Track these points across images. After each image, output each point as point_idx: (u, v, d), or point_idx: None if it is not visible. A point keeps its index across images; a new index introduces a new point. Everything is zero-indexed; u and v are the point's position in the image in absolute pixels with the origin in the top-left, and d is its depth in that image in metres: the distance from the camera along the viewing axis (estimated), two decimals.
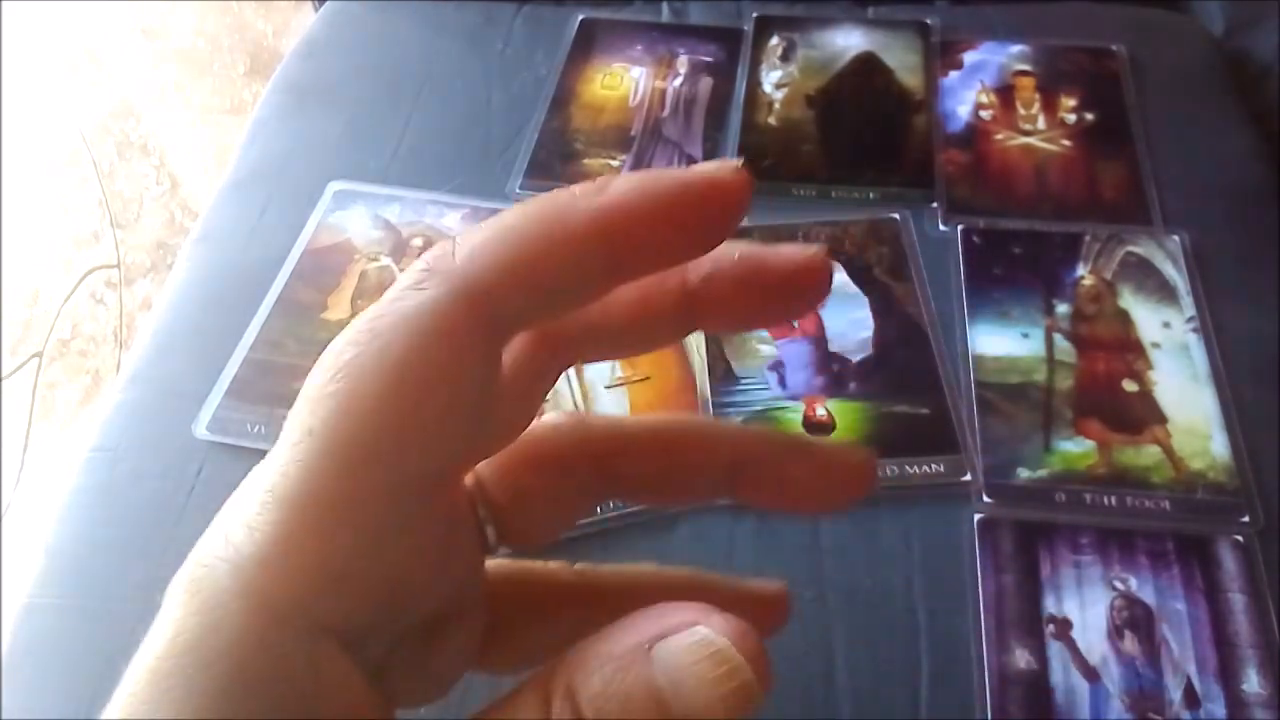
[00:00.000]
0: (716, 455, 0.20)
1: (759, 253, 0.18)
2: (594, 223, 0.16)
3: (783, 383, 0.49)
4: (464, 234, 0.16)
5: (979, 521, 0.44)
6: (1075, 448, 0.46)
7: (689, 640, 0.14)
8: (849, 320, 0.51)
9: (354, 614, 0.15)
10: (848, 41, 0.65)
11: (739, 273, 0.18)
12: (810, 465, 0.20)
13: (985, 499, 0.44)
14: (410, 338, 0.15)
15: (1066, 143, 0.59)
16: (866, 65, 0.64)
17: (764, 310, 0.19)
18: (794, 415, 0.47)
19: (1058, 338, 0.50)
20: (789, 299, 0.18)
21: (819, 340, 0.51)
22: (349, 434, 0.15)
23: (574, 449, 0.20)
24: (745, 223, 0.55)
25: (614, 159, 0.60)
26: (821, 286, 0.18)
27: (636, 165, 0.60)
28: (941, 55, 0.64)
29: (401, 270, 0.56)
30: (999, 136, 0.60)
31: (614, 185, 0.16)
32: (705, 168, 0.16)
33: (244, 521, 0.15)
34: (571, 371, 0.49)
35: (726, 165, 0.16)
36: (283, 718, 0.14)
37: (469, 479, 0.20)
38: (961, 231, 0.54)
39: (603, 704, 0.14)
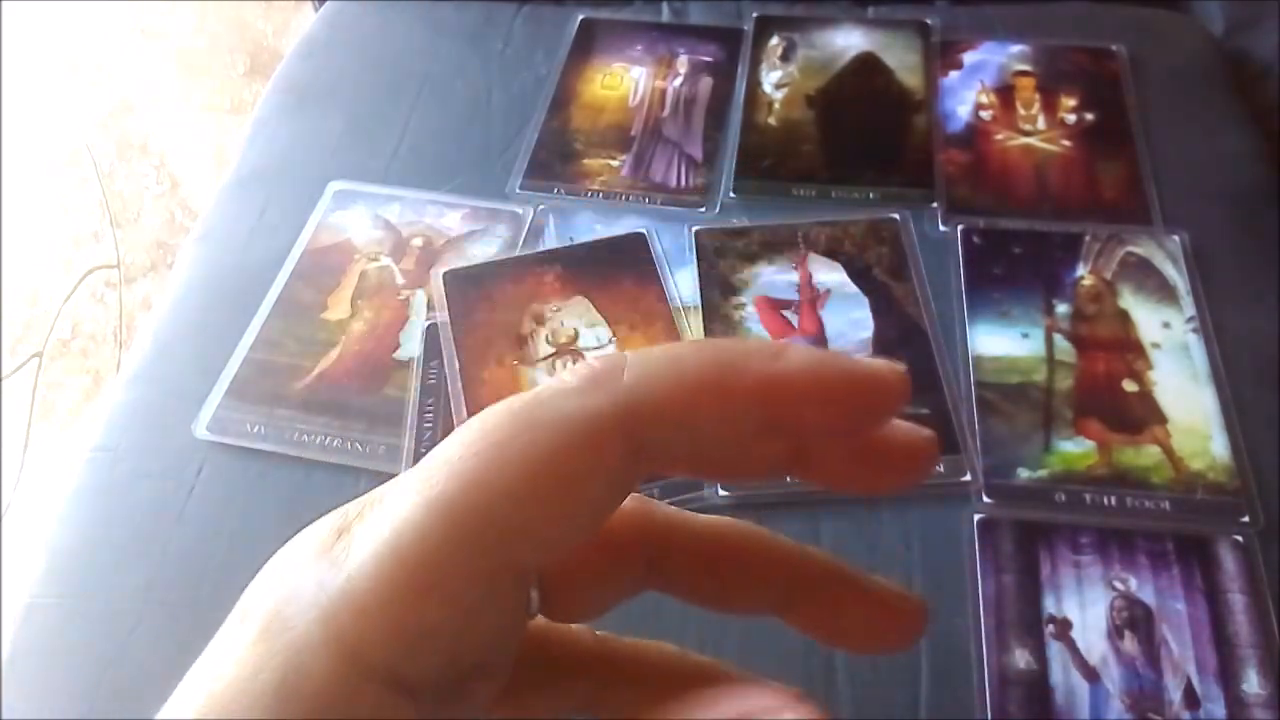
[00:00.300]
0: (774, 574, 0.20)
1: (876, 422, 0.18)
2: (762, 388, 0.16)
3: None
4: (637, 354, 0.16)
5: (979, 521, 0.44)
6: (1075, 448, 0.46)
7: None
8: (849, 320, 0.51)
9: (428, 672, 0.15)
10: (848, 41, 0.65)
11: (854, 444, 0.18)
12: (865, 608, 0.20)
13: (985, 499, 0.44)
14: (561, 437, 0.15)
15: (1066, 143, 0.59)
16: (866, 65, 0.64)
17: (862, 478, 0.19)
18: None
19: (1058, 338, 0.50)
20: (893, 473, 0.18)
21: (819, 340, 0.51)
22: (478, 508, 0.15)
23: (633, 534, 0.20)
24: (745, 223, 0.56)
25: (614, 159, 0.60)
26: (925, 464, 0.18)
27: (636, 165, 0.60)
28: (941, 55, 0.64)
29: (401, 269, 0.56)
30: (999, 136, 0.60)
31: (789, 356, 0.16)
32: (873, 366, 0.17)
33: (342, 566, 0.15)
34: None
35: (893, 368, 0.17)
36: None
37: None
38: (961, 231, 0.54)
39: None
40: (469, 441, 0.16)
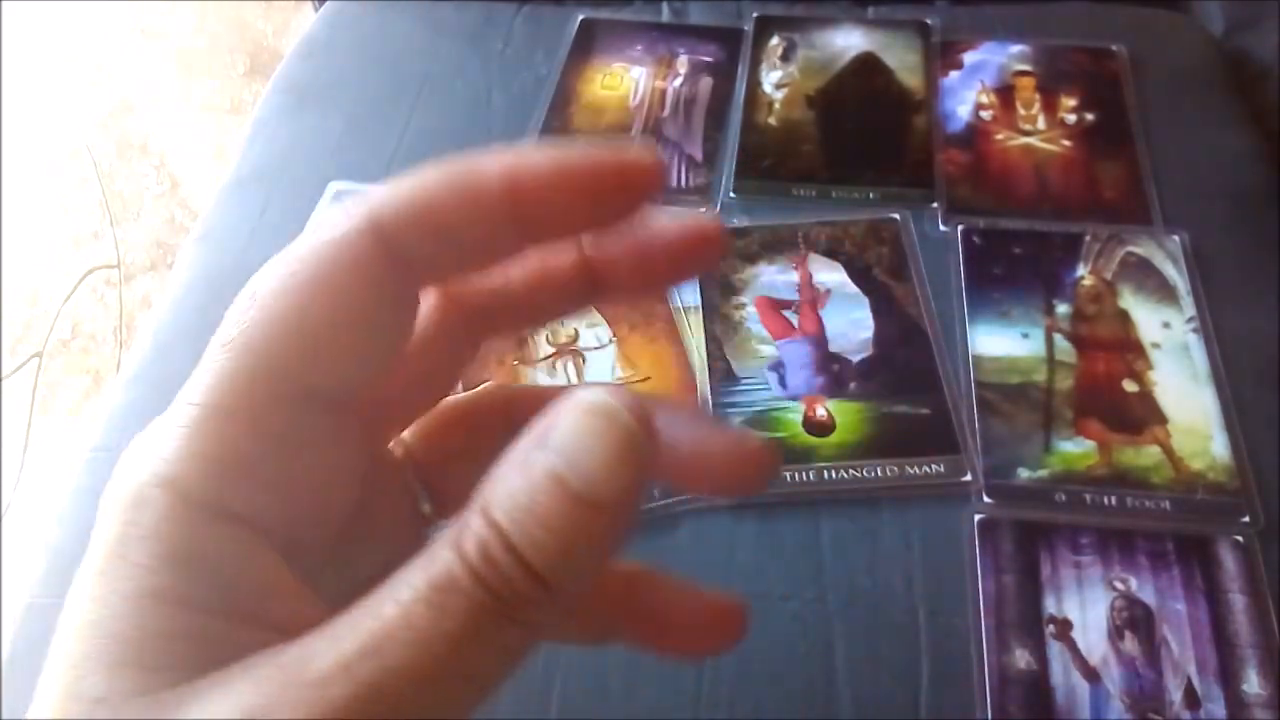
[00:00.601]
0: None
1: (652, 222, 0.19)
2: (502, 180, 0.17)
3: (783, 383, 0.49)
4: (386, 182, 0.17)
5: (979, 522, 0.44)
6: (1075, 448, 0.46)
7: (569, 411, 0.15)
8: (849, 320, 0.51)
9: (266, 509, 0.16)
10: (848, 41, 0.65)
11: (633, 241, 0.19)
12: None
13: (985, 499, 0.44)
14: (319, 264, 0.17)
15: (1066, 143, 0.59)
16: (866, 65, 0.64)
17: (659, 275, 0.20)
18: (794, 415, 0.47)
19: (1058, 338, 0.50)
20: (682, 265, 0.20)
21: (819, 340, 0.51)
22: (258, 348, 0.16)
23: (496, 413, 0.21)
24: (746, 222, 0.56)
25: None
26: (714, 250, 0.19)
27: None
28: (941, 55, 0.64)
29: None
30: (999, 136, 0.60)
31: (529, 151, 0.18)
32: (619, 148, 0.18)
33: (164, 428, 0.16)
34: (572, 372, 0.49)
35: (641, 151, 0.18)
36: (206, 591, 0.15)
37: (399, 450, 0.21)
38: (961, 231, 0.54)
39: (511, 506, 0.15)
40: (246, 293, 0.17)
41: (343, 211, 0.17)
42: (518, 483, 0.15)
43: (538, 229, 0.18)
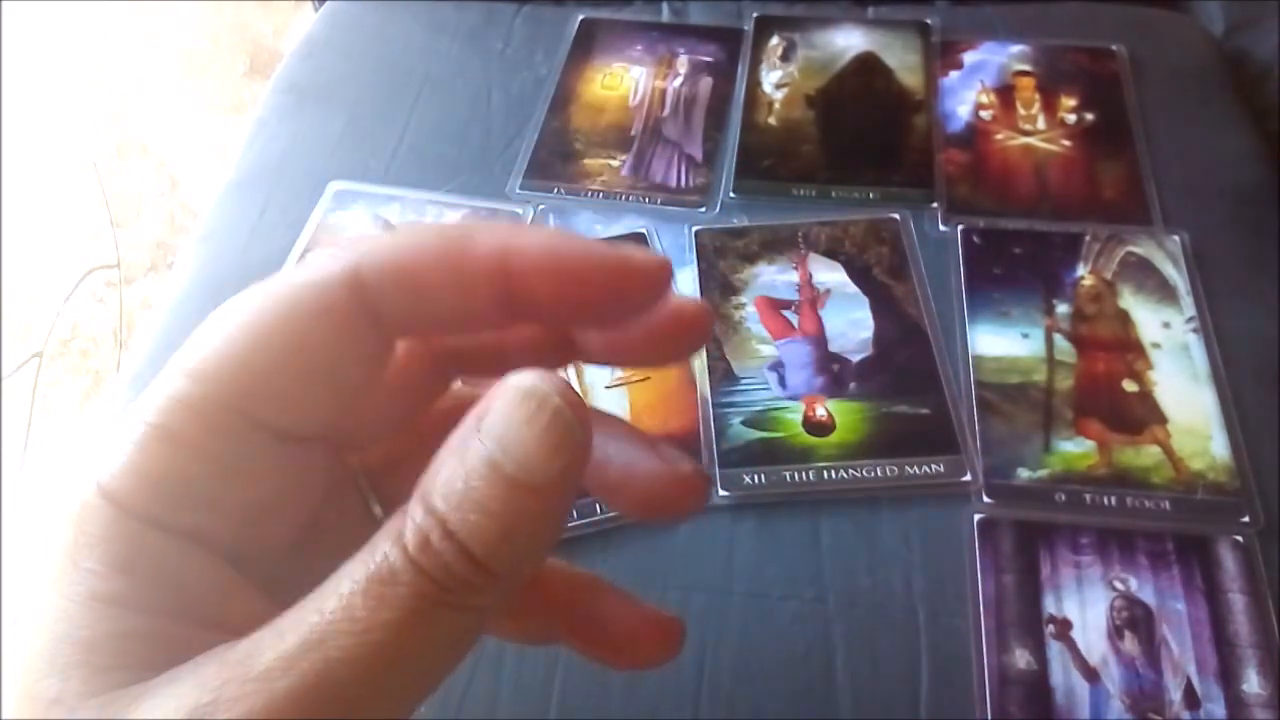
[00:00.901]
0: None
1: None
2: (493, 259, 0.17)
3: (783, 383, 0.49)
4: (381, 233, 0.17)
5: (979, 521, 0.44)
6: (1075, 448, 0.46)
7: (501, 396, 0.15)
8: (849, 320, 0.51)
9: (208, 526, 0.17)
10: (848, 41, 0.65)
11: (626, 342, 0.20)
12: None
13: (985, 499, 0.44)
14: (290, 306, 0.17)
15: (1066, 143, 0.59)
16: (866, 65, 0.64)
17: (639, 355, 0.20)
18: (794, 415, 0.47)
19: (1058, 338, 0.50)
20: (665, 349, 0.20)
21: (819, 340, 0.51)
22: (211, 377, 0.17)
23: (444, 414, 0.21)
24: (745, 223, 0.56)
25: (614, 159, 0.60)
26: (699, 338, 0.20)
27: (637, 165, 0.60)
28: (941, 55, 0.64)
29: None
30: (999, 136, 0.60)
31: (524, 232, 0.18)
32: (628, 252, 0.18)
33: (113, 442, 0.17)
34: (571, 372, 0.49)
35: (649, 256, 0.18)
36: (155, 594, 0.15)
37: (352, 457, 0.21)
38: (961, 231, 0.54)
39: (449, 493, 0.15)
40: (214, 318, 0.17)
41: (329, 256, 0.17)
42: (455, 470, 0.15)
43: (526, 311, 0.18)
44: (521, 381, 0.15)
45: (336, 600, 0.14)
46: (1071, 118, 0.60)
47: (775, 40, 0.66)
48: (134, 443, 0.16)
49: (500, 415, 0.15)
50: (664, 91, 0.64)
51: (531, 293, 0.17)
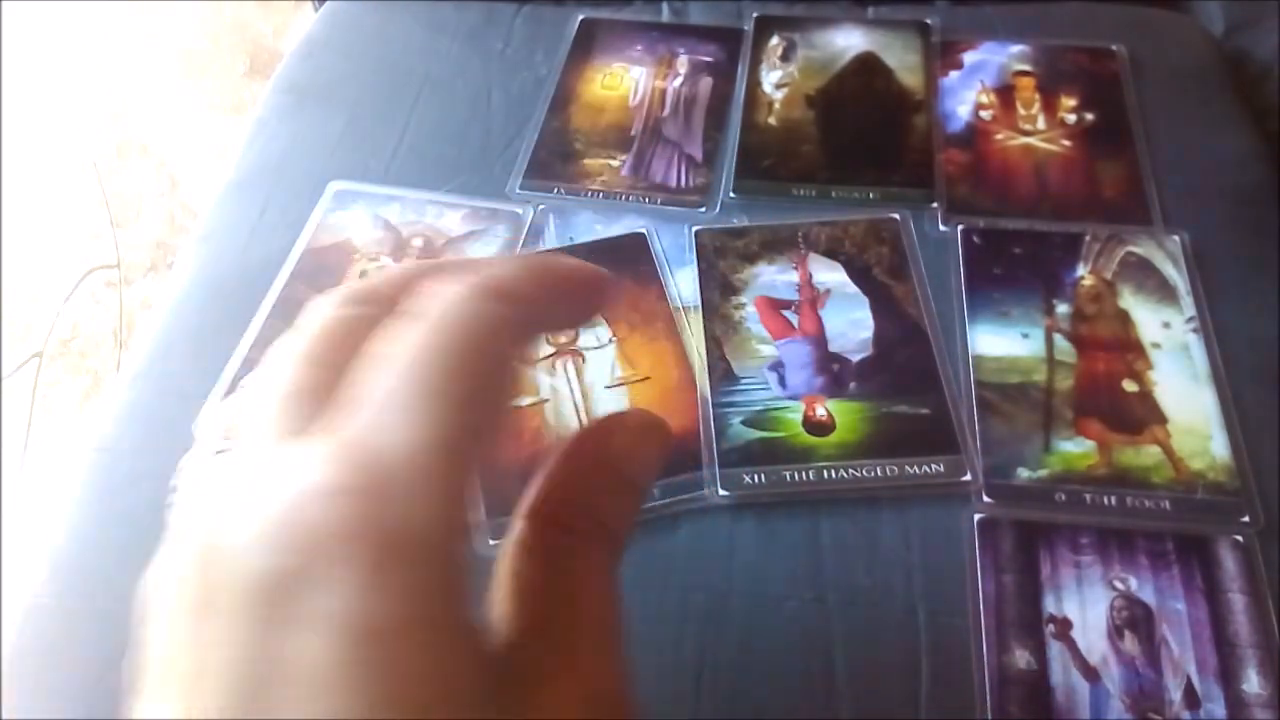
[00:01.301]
0: None
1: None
2: (573, 283, 0.23)
3: (783, 383, 0.49)
4: (495, 267, 0.21)
5: (979, 521, 0.44)
6: (1075, 448, 0.46)
7: (626, 421, 0.22)
8: (849, 320, 0.51)
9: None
10: (848, 41, 0.66)
11: None
12: None
13: (985, 499, 0.44)
14: (492, 356, 0.19)
15: (1066, 143, 0.59)
16: (866, 65, 0.64)
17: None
18: (794, 415, 0.47)
19: (1058, 338, 0.50)
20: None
21: (819, 340, 0.51)
22: (460, 435, 0.18)
23: None
24: (745, 223, 0.56)
25: (614, 159, 0.60)
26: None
27: (636, 165, 0.60)
28: (941, 55, 0.64)
29: None
30: (999, 136, 0.60)
31: (502, 261, 0.22)
32: (581, 270, 0.23)
33: None
34: (571, 372, 0.49)
35: (594, 269, 0.23)
36: None
37: None
38: (961, 231, 0.54)
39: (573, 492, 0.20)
40: (439, 373, 0.18)
41: (495, 296, 0.20)
42: (582, 475, 0.22)
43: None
44: (635, 413, 0.23)
45: None
46: (1071, 118, 0.60)
47: (775, 40, 0.66)
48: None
49: (627, 431, 0.22)
50: (664, 91, 0.64)
51: (539, 310, 0.21)
